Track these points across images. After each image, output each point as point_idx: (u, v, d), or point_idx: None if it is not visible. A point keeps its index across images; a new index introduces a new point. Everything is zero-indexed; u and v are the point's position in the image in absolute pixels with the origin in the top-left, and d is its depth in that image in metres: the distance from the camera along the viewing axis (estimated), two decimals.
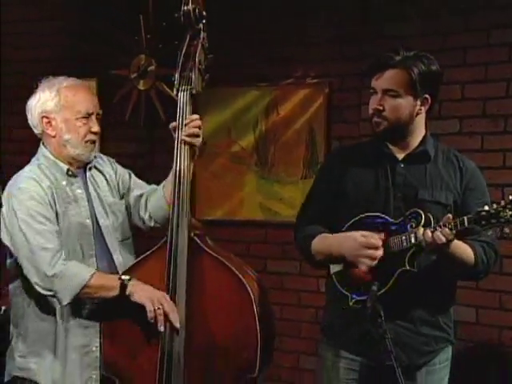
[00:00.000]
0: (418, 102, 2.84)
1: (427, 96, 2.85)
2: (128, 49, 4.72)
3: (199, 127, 2.89)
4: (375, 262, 2.72)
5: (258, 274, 3.04)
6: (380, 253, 2.72)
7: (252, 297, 2.80)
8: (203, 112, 4.29)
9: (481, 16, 3.87)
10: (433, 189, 2.86)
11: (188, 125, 2.87)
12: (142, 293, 2.83)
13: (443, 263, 2.77)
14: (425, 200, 2.82)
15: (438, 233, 2.61)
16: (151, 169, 4.27)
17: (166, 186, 3.05)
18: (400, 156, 2.91)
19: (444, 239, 2.61)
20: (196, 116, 2.89)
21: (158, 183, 3.18)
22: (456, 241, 2.70)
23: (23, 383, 3.03)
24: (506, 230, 2.56)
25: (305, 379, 4.36)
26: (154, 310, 2.78)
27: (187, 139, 2.86)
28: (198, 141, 2.89)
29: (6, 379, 3.10)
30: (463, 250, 2.75)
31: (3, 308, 4.57)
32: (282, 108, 4.45)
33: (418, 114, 2.86)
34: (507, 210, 2.51)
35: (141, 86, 4.75)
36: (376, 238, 2.73)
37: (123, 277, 2.86)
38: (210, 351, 2.84)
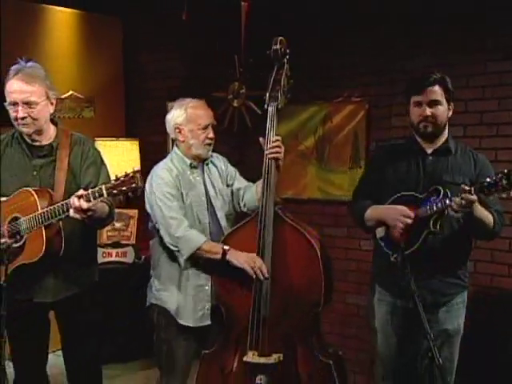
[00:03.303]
0: (448, 109, 2.83)
1: (452, 104, 2.83)
2: (226, 78, 4.76)
3: (280, 146, 2.87)
4: (405, 226, 2.70)
5: None
6: (410, 220, 2.70)
7: (318, 252, 2.84)
8: (278, 122, 4.30)
9: (479, 52, 3.82)
10: (453, 174, 2.82)
11: (272, 145, 2.86)
12: (239, 259, 2.86)
13: (471, 225, 2.71)
14: (447, 182, 2.78)
15: (459, 199, 2.55)
16: (241, 164, 4.26)
17: (258, 186, 3.05)
18: (429, 150, 2.87)
19: (470, 199, 2.52)
20: (278, 137, 2.87)
21: (245, 174, 3.21)
22: (480, 207, 2.64)
23: (158, 308, 3.14)
24: (503, 195, 2.50)
25: (350, 310, 4.39)
26: (252, 268, 2.81)
27: (272, 156, 2.86)
28: (280, 155, 2.88)
29: (146, 305, 3.21)
30: (486, 214, 2.71)
31: (143, 257, 4.70)
32: (334, 119, 4.42)
33: (448, 118, 2.84)
34: (503, 180, 2.46)
35: (235, 104, 4.77)
36: (409, 210, 2.72)
37: (225, 247, 2.90)
38: (287, 292, 2.88)
